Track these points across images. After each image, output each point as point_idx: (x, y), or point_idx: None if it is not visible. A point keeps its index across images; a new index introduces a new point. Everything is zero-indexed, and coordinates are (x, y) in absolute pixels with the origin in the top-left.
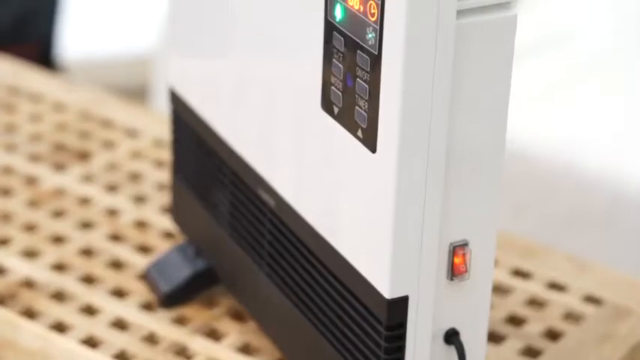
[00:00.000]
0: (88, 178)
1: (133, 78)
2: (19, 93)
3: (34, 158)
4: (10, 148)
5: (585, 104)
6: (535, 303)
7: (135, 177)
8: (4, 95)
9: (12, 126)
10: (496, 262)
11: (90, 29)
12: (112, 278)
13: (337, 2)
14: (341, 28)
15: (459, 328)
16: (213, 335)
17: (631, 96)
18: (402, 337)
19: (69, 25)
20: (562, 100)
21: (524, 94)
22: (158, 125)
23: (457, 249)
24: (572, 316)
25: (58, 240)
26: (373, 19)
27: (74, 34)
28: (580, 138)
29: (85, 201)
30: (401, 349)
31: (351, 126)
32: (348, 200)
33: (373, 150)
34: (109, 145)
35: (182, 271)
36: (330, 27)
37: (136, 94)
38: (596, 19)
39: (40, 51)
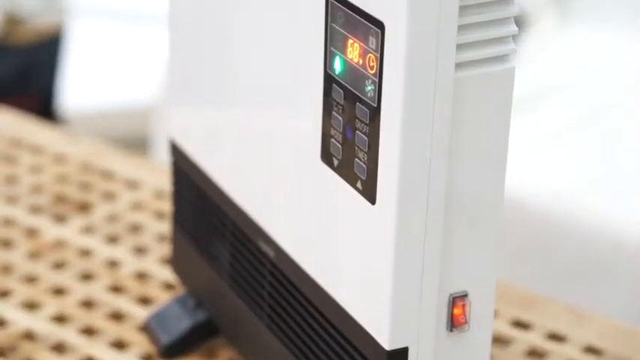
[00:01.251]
0: (88, 230)
1: (134, 129)
2: (20, 145)
3: (35, 210)
4: (11, 199)
5: (584, 154)
6: (535, 354)
7: (135, 228)
8: (5, 147)
9: (13, 178)
10: (496, 313)
11: (90, 81)
12: (113, 330)
13: (336, 55)
14: (340, 80)
15: None
16: None
17: (630, 146)
18: None
19: (70, 76)
20: (561, 149)
21: (523, 145)
22: (159, 176)
23: (457, 300)
24: None
25: (58, 292)
26: (372, 72)
27: (75, 86)
28: (579, 188)
29: (85, 252)
30: None
31: (350, 178)
32: (348, 251)
33: (372, 201)
34: (109, 196)
35: (182, 323)
36: (329, 80)
37: (137, 145)
38: (593, 71)
39: (41, 102)
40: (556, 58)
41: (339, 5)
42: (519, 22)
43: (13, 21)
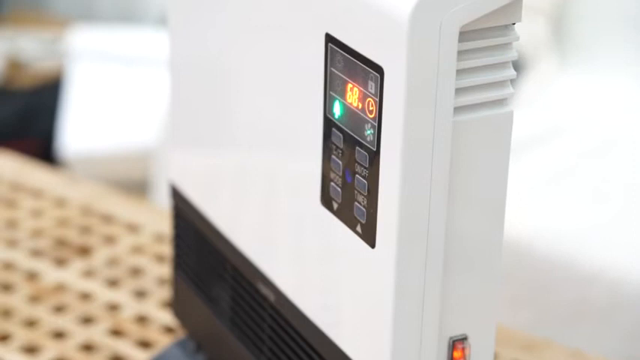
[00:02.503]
0: (88, 273)
1: (134, 173)
2: (21, 189)
3: (35, 253)
4: (12, 243)
5: (584, 196)
6: None
7: (136, 272)
8: (5, 191)
9: (13, 222)
10: (495, 356)
11: (91, 124)
12: None
13: (336, 99)
14: (340, 124)
15: None
16: None
17: (629, 188)
18: None
19: (70, 120)
20: (560, 192)
21: (522, 187)
22: (159, 220)
23: (456, 343)
24: None
25: (58, 335)
26: (372, 116)
27: (75, 129)
28: (578, 230)
29: (85, 296)
30: None
31: (350, 221)
32: (348, 295)
33: (372, 245)
34: (109, 240)
35: None
36: (329, 123)
37: (137, 188)
38: (591, 114)
39: (41, 146)
40: (555, 101)
41: (339, 50)
42: (518, 65)
43: (14, 65)
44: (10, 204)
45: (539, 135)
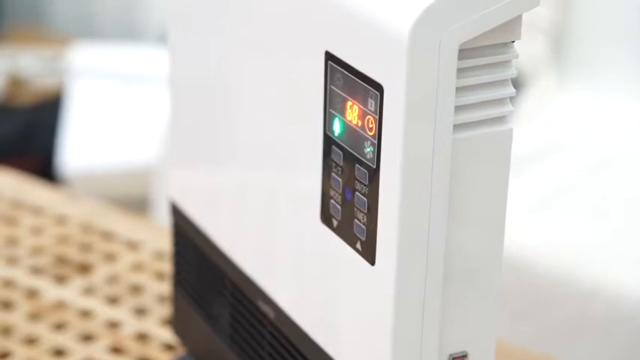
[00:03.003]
0: (89, 291)
1: (134, 190)
2: (21, 206)
3: (36, 271)
4: (12, 261)
5: (583, 213)
6: None
7: (136, 289)
8: (5, 208)
9: (13, 239)
10: None
11: (91, 141)
12: None
13: (335, 117)
14: (339, 142)
15: None
16: None
17: (628, 204)
18: None
19: (70, 137)
20: (560, 208)
21: (522, 203)
22: (159, 237)
23: None
24: None
25: (58, 353)
26: (371, 134)
27: (75, 147)
28: (578, 246)
29: (85, 314)
30: None
31: (350, 239)
32: (348, 312)
33: (372, 262)
34: (110, 257)
35: None
36: (328, 141)
37: (137, 205)
38: (591, 130)
39: (41, 163)
40: (554, 117)
41: (338, 67)
42: (518, 82)
43: (15, 83)
44: (10, 221)
45: (539, 151)
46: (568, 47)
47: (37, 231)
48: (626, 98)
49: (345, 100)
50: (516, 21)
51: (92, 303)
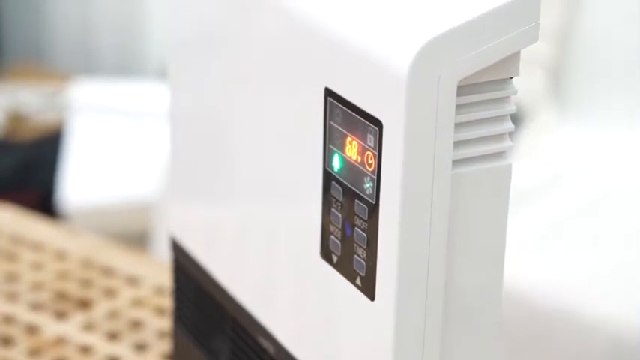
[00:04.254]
0: (89, 326)
1: (135, 225)
2: (21, 241)
3: (36, 307)
4: (12, 297)
5: (583, 247)
6: None
7: (136, 325)
8: (5, 244)
9: (13, 275)
10: None
11: (91, 176)
12: None
13: (335, 153)
14: (339, 177)
15: None
16: None
17: (628, 238)
18: None
19: (70, 172)
20: (560, 243)
21: (522, 238)
22: (159, 272)
23: None
24: None
25: None
26: (371, 170)
27: (75, 182)
28: (578, 280)
29: (86, 349)
30: None
31: (349, 274)
32: (348, 347)
33: (372, 298)
34: (110, 293)
35: None
36: (328, 177)
37: (137, 240)
38: (590, 164)
39: (41, 198)
40: (553, 152)
41: (338, 104)
42: (517, 117)
43: (15, 118)
44: (10, 257)
45: (538, 186)
46: (567, 82)
47: (37, 266)
48: (624, 132)
49: (344, 136)
50: (515, 57)
51: (92, 338)
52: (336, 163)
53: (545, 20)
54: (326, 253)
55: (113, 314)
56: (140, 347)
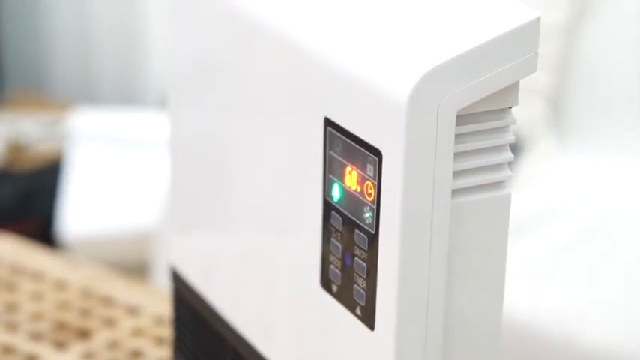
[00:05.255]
0: (89, 357)
1: (135, 254)
2: (21, 271)
3: (35, 337)
4: (11, 327)
5: (582, 276)
6: None
7: (136, 355)
8: (5, 274)
9: (13, 305)
10: None
11: (91, 206)
12: None
13: (335, 182)
14: (339, 207)
15: None
16: None
17: (627, 267)
18: None
19: (70, 201)
20: (560, 271)
21: (521, 267)
22: (159, 302)
23: None
24: None
25: None
26: (370, 199)
27: (75, 211)
28: (578, 309)
29: None
30: None
31: (349, 304)
32: None
33: (372, 327)
34: (110, 322)
35: None
36: (328, 206)
37: (137, 270)
38: (589, 193)
39: (41, 228)
40: (553, 182)
41: (337, 134)
42: (516, 146)
43: (15, 148)
44: (10, 287)
45: (537, 215)
46: (566, 111)
47: (36, 296)
48: (624, 161)
49: (344, 166)
50: (513, 87)
51: None
52: (336, 193)
53: (545, 49)
54: (326, 283)
55: (113, 344)
56: None
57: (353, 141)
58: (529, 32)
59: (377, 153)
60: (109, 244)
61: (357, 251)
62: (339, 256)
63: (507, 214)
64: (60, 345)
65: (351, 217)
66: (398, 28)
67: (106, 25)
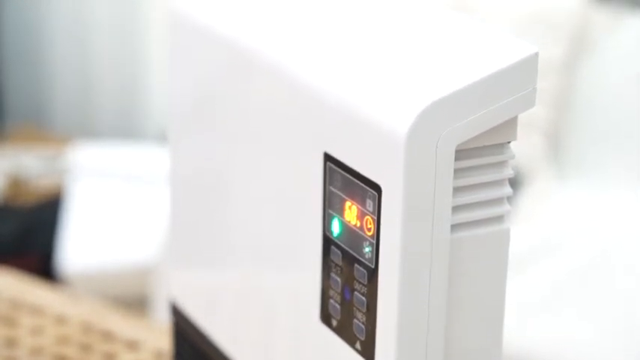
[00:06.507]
0: None
1: (134, 289)
2: (21, 306)
3: None
4: None
5: (583, 309)
6: None
7: None
8: (5, 308)
9: (13, 340)
10: None
11: (91, 240)
12: None
13: (334, 217)
14: (338, 242)
15: None
16: None
17: (628, 301)
18: None
19: (70, 236)
20: (559, 305)
21: (521, 300)
22: (159, 337)
23: None
24: None
25: None
26: (370, 234)
27: (75, 246)
28: (577, 342)
29: None
30: None
31: (349, 338)
32: None
33: None
34: (110, 357)
35: None
36: (327, 241)
37: (137, 304)
38: (589, 227)
39: (41, 262)
40: (552, 216)
41: (337, 169)
42: (515, 180)
43: (15, 183)
44: (10, 322)
45: (537, 250)
46: (565, 145)
47: (36, 331)
48: (623, 195)
49: (343, 201)
50: (512, 122)
51: None
52: (336, 228)
53: (543, 84)
54: (326, 317)
55: None
56: None
57: (352, 176)
58: (527, 67)
59: (376, 188)
60: (109, 279)
61: (357, 286)
62: (339, 290)
63: (507, 249)
64: None
65: (350, 251)
66: (397, 63)
67: (105, 59)
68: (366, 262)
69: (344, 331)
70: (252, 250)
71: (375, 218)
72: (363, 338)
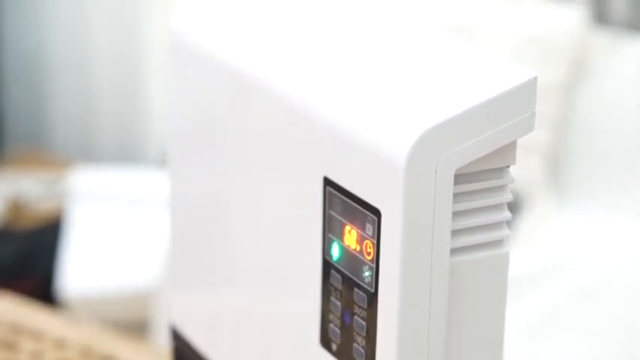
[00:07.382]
0: None
1: (135, 313)
2: (21, 331)
3: None
4: None
5: (583, 334)
6: None
7: None
8: (4, 333)
9: None
10: None
11: (91, 264)
12: None
13: (334, 241)
14: (338, 266)
15: None
16: None
17: (628, 326)
18: None
19: (70, 260)
20: (558, 330)
21: (521, 326)
22: None
23: None
24: None
25: None
26: (369, 258)
27: (75, 270)
28: None
29: None
30: None
31: None
32: None
33: None
34: None
35: None
36: (327, 265)
37: (137, 328)
38: (589, 251)
39: (41, 286)
40: (552, 240)
41: (337, 193)
42: (515, 204)
43: (15, 207)
44: (10, 346)
45: (536, 274)
46: (564, 169)
47: (36, 355)
48: (623, 220)
49: (343, 225)
50: (511, 146)
51: None
52: (335, 252)
53: (543, 108)
54: (325, 342)
55: None
56: None
57: (352, 200)
58: (526, 92)
59: (376, 212)
60: (109, 303)
61: (357, 310)
62: (339, 314)
63: (506, 273)
64: None
65: (350, 275)
66: (396, 87)
67: (106, 84)
68: (366, 287)
69: (344, 355)
70: (252, 274)
71: (375, 242)
72: None
